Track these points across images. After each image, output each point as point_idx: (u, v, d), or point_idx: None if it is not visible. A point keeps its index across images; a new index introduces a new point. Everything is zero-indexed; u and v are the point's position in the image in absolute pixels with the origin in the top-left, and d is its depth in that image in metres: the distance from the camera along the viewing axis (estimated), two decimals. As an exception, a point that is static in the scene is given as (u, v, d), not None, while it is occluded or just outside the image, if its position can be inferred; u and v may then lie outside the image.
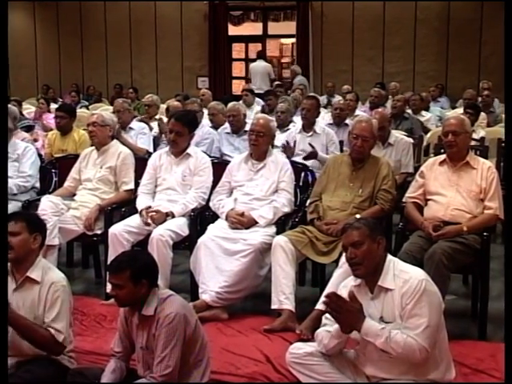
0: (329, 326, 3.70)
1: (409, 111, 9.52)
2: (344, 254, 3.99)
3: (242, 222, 5.38)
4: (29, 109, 12.46)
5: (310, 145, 6.82)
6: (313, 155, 6.74)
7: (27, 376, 3.75)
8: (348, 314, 3.50)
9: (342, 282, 4.60)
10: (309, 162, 6.57)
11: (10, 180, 6.23)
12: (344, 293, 3.68)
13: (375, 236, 3.63)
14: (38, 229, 4.02)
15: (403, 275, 3.56)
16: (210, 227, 5.40)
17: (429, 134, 8.64)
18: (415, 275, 3.54)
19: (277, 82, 13.79)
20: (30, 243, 3.93)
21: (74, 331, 4.22)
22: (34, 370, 3.78)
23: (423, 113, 10.24)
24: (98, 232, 5.82)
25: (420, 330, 3.42)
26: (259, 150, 5.59)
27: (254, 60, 16.35)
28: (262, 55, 16.02)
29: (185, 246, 5.57)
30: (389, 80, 14.07)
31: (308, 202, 5.53)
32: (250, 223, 5.40)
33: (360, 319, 3.49)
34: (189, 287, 5.46)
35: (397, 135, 6.55)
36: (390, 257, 3.68)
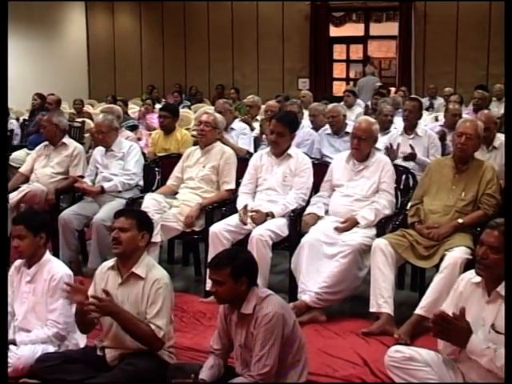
0: None
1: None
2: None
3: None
4: (133, 108, 12.78)
5: (411, 146, 6.75)
6: (412, 156, 6.67)
7: (129, 368, 3.85)
8: (455, 333, 3.44)
9: (442, 287, 4.59)
10: (410, 165, 6.49)
11: (115, 177, 6.41)
12: (461, 285, 3.65)
13: None
14: (147, 227, 4.10)
15: None
16: (313, 229, 5.39)
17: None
18: None
19: (379, 84, 13.67)
20: (137, 240, 4.02)
21: (174, 327, 4.29)
22: (135, 363, 3.87)
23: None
24: (197, 229, 5.89)
25: None
26: (361, 153, 5.55)
27: (356, 61, 16.52)
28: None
29: (284, 246, 5.58)
30: (493, 82, 13.70)
31: (409, 204, 5.44)
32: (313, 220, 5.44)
33: (466, 338, 3.41)
34: (287, 288, 5.47)
35: (502, 138, 6.38)
36: None
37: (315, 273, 5.15)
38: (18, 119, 10.87)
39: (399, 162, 6.53)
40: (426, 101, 13.07)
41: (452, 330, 3.43)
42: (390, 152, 6.66)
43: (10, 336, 4.32)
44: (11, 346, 4.18)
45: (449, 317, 3.46)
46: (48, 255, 4.44)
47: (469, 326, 3.44)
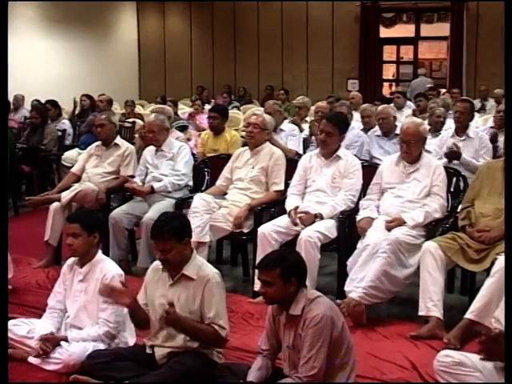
0: None
1: None
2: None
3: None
4: (183, 109, 12.87)
5: (455, 144, 6.66)
6: (456, 155, 6.58)
7: (178, 367, 3.88)
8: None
9: (493, 291, 4.53)
10: (454, 164, 6.43)
11: (164, 178, 6.46)
12: None
13: None
14: (187, 234, 4.07)
15: None
16: (372, 230, 5.33)
17: None
18: None
19: (429, 85, 13.56)
20: (182, 251, 4.01)
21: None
22: (184, 362, 3.90)
23: None
24: (246, 230, 5.92)
25: None
26: (412, 156, 5.51)
27: (405, 62, 16.31)
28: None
29: (332, 248, 5.57)
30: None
31: (459, 207, 5.39)
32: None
33: None
34: (335, 289, 5.46)
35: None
36: None
37: (366, 271, 5.12)
38: (70, 119, 11.03)
39: (443, 161, 6.48)
40: (477, 102, 12.92)
41: (497, 349, 3.36)
42: (454, 153, 6.57)
43: (62, 333, 4.41)
44: (63, 343, 4.26)
45: (496, 336, 3.40)
46: (100, 255, 4.52)
47: None
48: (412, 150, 5.48)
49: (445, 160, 6.58)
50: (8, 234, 4.39)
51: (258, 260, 4.33)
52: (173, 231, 3.98)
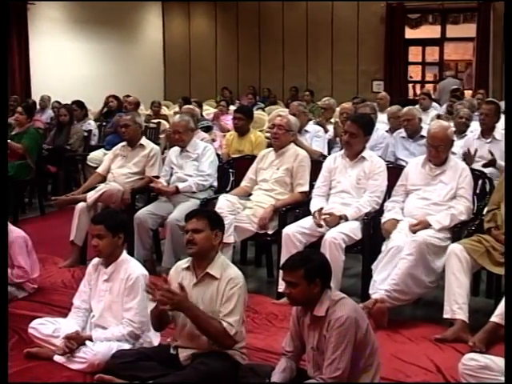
0: None
1: None
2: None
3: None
4: (207, 110, 12.90)
5: (490, 152, 6.61)
6: (492, 163, 6.53)
7: (202, 368, 3.88)
8: None
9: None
10: (487, 170, 6.37)
11: (189, 178, 6.47)
12: None
13: None
14: (219, 225, 4.13)
15: None
16: (396, 233, 5.30)
17: None
18: None
19: (453, 87, 13.48)
20: (211, 239, 4.05)
21: (246, 328, 4.30)
22: (208, 363, 3.90)
23: None
24: (270, 231, 5.92)
25: None
26: (439, 159, 5.48)
27: (431, 64, 16.23)
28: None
29: (357, 249, 5.56)
30: None
31: (485, 210, 5.35)
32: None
33: None
34: (359, 291, 5.45)
35: None
36: None
37: (389, 271, 5.10)
38: (96, 119, 11.10)
39: (475, 166, 6.41)
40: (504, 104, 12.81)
41: None
42: (468, 157, 6.55)
43: (87, 332, 4.44)
44: (88, 342, 4.28)
45: None
46: (125, 255, 4.54)
47: None
48: (440, 154, 5.45)
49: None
50: (29, 233, 4.43)
51: (282, 261, 4.31)
52: (209, 216, 4.11)
